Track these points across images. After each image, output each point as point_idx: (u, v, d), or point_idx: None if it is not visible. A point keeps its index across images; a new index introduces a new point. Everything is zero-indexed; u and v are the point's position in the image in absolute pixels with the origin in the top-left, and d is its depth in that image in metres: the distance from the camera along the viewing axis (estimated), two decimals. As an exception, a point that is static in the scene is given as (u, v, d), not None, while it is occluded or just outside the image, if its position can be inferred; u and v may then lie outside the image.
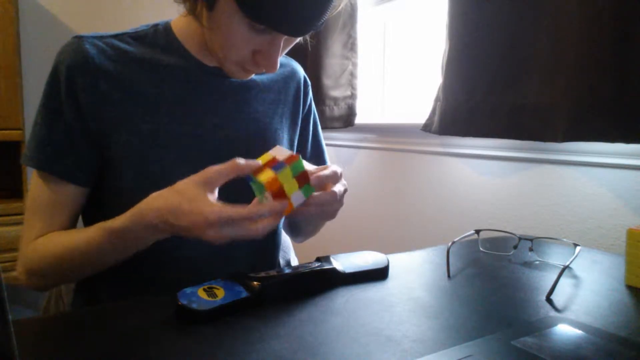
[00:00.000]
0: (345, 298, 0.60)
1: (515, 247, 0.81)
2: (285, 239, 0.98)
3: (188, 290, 0.55)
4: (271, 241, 0.84)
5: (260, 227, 0.56)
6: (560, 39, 1.02)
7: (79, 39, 0.70)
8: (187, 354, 0.45)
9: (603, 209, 1.05)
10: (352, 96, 1.83)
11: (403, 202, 1.64)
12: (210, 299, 0.54)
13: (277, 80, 0.84)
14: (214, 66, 0.75)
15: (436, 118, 1.36)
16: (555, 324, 0.51)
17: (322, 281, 0.63)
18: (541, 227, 1.18)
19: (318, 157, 0.94)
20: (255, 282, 0.58)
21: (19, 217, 1.93)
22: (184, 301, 0.53)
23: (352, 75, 1.84)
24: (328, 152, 0.97)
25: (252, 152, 0.75)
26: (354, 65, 1.83)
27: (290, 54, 0.83)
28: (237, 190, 0.64)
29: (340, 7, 0.67)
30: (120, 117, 0.69)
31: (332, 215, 0.66)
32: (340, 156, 1.98)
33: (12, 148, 2.02)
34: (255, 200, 0.65)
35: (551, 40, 1.04)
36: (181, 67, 0.73)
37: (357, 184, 1.85)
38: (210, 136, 0.74)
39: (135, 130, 0.69)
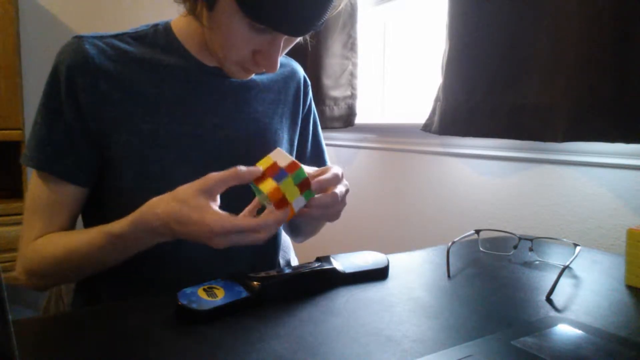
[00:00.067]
0: (345, 298, 0.60)
1: (515, 247, 0.81)
2: (285, 239, 0.98)
3: (188, 290, 0.55)
4: (271, 241, 0.84)
5: (263, 236, 0.57)
6: (560, 39, 1.02)
7: (79, 39, 0.70)
8: (187, 354, 0.45)
9: (603, 209, 1.05)
10: (352, 96, 1.83)
11: (403, 202, 1.64)
12: (210, 299, 0.54)
13: (277, 80, 0.84)
14: (214, 66, 0.75)
15: (436, 118, 1.36)
16: (555, 324, 0.51)
17: (322, 281, 0.63)
18: (541, 227, 1.18)
19: (318, 157, 0.94)
20: (255, 282, 0.58)
21: (19, 217, 1.93)
22: (184, 301, 0.53)
23: (352, 75, 1.84)
24: (328, 152, 0.97)
25: (252, 152, 0.75)
26: (354, 65, 1.83)
27: (290, 54, 0.83)
28: (237, 191, 0.64)
29: (340, 7, 0.67)
30: (120, 117, 0.69)
31: (335, 216, 0.66)
32: (340, 156, 1.98)
33: (12, 148, 2.02)
34: (255, 202, 0.66)
35: (551, 40, 1.04)
36: (181, 67, 0.73)
37: (357, 184, 1.85)
38: (210, 136, 0.74)
39: (135, 130, 0.69)
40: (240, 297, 0.55)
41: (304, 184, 0.59)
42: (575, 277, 0.70)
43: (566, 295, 0.62)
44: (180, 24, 0.75)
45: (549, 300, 0.60)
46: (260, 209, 0.65)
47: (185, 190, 0.58)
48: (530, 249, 0.80)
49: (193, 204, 0.56)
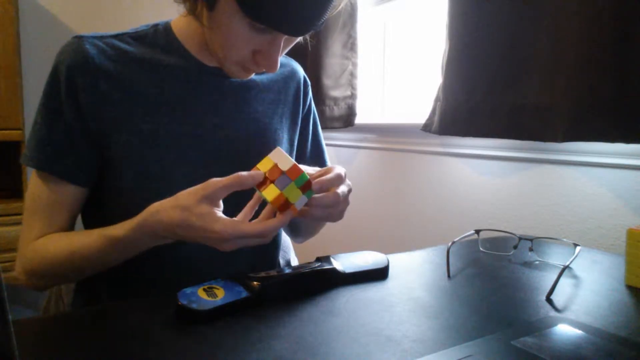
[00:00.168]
0: (345, 298, 0.60)
1: (515, 247, 0.81)
2: (285, 238, 0.98)
3: (188, 290, 0.55)
4: (271, 241, 0.84)
5: (268, 238, 0.59)
6: (560, 39, 1.02)
7: (79, 39, 0.70)
8: (187, 354, 0.45)
9: (603, 209, 1.05)
10: (352, 96, 1.83)
11: (403, 202, 1.64)
12: (210, 299, 0.54)
13: (277, 80, 0.84)
14: (214, 66, 0.75)
15: (436, 118, 1.36)
16: (555, 324, 0.51)
17: (322, 281, 0.63)
18: (541, 227, 1.18)
19: (318, 157, 0.94)
20: (255, 282, 0.58)
21: (18, 217, 1.93)
22: (184, 301, 0.53)
23: (352, 75, 1.84)
24: (328, 152, 0.97)
25: (252, 152, 0.75)
26: (354, 65, 1.83)
27: (290, 54, 0.83)
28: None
29: (340, 7, 0.67)
30: (120, 117, 0.69)
31: (339, 216, 0.66)
32: (340, 156, 1.98)
33: (12, 148, 2.02)
34: (256, 198, 0.65)
35: (551, 40, 1.04)
36: (181, 67, 0.73)
37: (357, 184, 1.85)
38: (210, 136, 0.74)
39: (135, 130, 0.69)
40: (240, 297, 0.55)
41: (306, 186, 0.59)
42: (575, 277, 0.70)
43: (566, 295, 0.62)
44: (180, 24, 0.75)
45: (549, 300, 0.60)
46: (262, 203, 0.65)
47: (188, 197, 0.57)
48: (530, 249, 0.80)
49: (196, 211, 0.56)
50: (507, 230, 0.97)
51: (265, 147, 0.78)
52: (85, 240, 0.66)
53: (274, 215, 0.61)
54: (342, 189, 0.63)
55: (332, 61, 1.84)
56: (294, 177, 0.58)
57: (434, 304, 0.58)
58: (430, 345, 0.47)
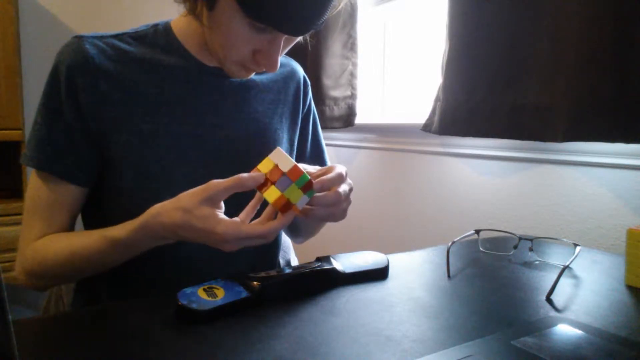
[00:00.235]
0: (345, 298, 0.60)
1: (515, 247, 0.81)
2: (286, 238, 0.98)
3: (188, 290, 0.55)
4: (272, 241, 0.84)
5: (270, 239, 0.59)
6: (560, 39, 1.02)
7: (79, 39, 0.70)
8: (187, 354, 0.45)
9: (603, 209, 1.05)
10: (352, 96, 1.83)
11: (403, 202, 1.64)
12: (210, 299, 0.54)
13: (277, 80, 0.84)
14: (214, 66, 0.75)
15: (436, 118, 1.36)
16: (555, 324, 0.51)
17: (322, 281, 0.63)
18: (541, 227, 1.18)
19: (318, 157, 0.94)
20: (255, 282, 0.58)
21: (18, 217, 1.93)
22: (184, 301, 0.53)
23: (352, 75, 1.84)
24: (328, 152, 0.97)
25: (252, 152, 0.75)
26: (354, 65, 1.83)
27: (290, 54, 0.83)
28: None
29: (340, 7, 0.67)
30: (120, 117, 0.69)
31: (341, 215, 0.66)
32: (340, 156, 1.98)
33: (12, 148, 2.02)
34: (257, 197, 0.65)
35: (551, 40, 1.04)
36: (181, 67, 0.73)
37: (357, 184, 1.85)
38: (210, 136, 0.74)
39: (135, 130, 0.69)
40: (240, 297, 0.55)
41: (307, 186, 0.59)
42: (575, 277, 0.70)
43: (566, 295, 0.62)
44: (180, 24, 0.75)
45: (549, 300, 0.60)
46: (264, 202, 0.65)
47: (189, 199, 0.58)
48: (530, 249, 0.80)
49: (198, 214, 0.56)
50: (507, 230, 0.97)
51: (265, 147, 0.78)
52: (85, 241, 0.66)
53: (276, 215, 0.61)
54: (343, 187, 0.63)
55: (332, 61, 1.84)
56: (294, 178, 0.58)
57: (434, 304, 0.58)
58: (430, 345, 0.47)
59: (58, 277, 0.71)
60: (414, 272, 0.71)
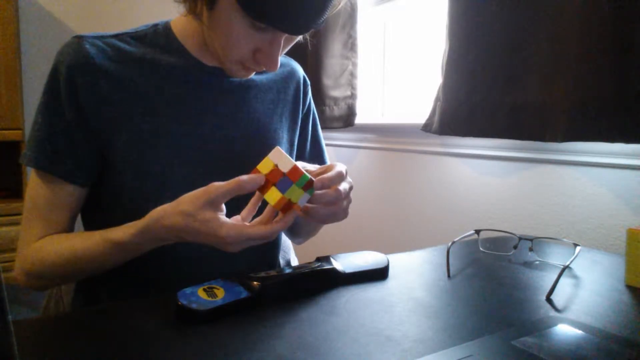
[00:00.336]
0: (345, 298, 0.60)
1: (515, 247, 0.81)
2: (286, 238, 0.98)
3: (188, 290, 0.55)
4: (271, 241, 0.84)
5: (273, 239, 0.60)
6: (560, 39, 1.02)
7: (79, 38, 0.70)
8: (187, 354, 0.45)
9: (603, 209, 1.05)
10: (352, 96, 1.83)
11: (403, 202, 1.64)
12: (210, 299, 0.54)
13: (277, 80, 0.84)
14: (214, 66, 0.75)
15: (436, 118, 1.36)
16: (555, 324, 0.51)
17: (322, 281, 0.63)
18: (541, 227, 1.18)
19: (318, 157, 0.94)
20: (255, 282, 0.58)
21: (18, 217, 1.93)
22: (184, 301, 0.53)
23: (352, 75, 1.84)
24: (328, 152, 0.97)
25: (252, 152, 0.75)
26: (354, 65, 1.83)
27: (290, 53, 0.83)
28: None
29: (340, 6, 0.67)
30: (120, 117, 0.69)
31: (342, 214, 0.66)
32: (340, 156, 1.98)
33: (12, 148, 2.02)
34: (257, 195, 0.66)
35: (551, 40, 1.04)
36: (181, 66, 0.73)
37: (357, 184, 1.85)
38: (210, 136, 0.74)
39: (135, 130, 0.69)
40: (240, 297, 0.55)
41: (308, 185, 0.59)
42: (575, 277, 0.70)
43: (566, 295, 0.62)
44: (180, 24, 0.75)
45: (549, 300, 0.60)
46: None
47: (190, 203, 0.58)
48: (530, 249, 0.80)
49: (200, 218, 0.57)
50: (507, 230, 0.97)
51: (264, 146, 0.78)
52: (86, 243, 0.66)
53: (277, 214, 0.61)
54: (343, 185, 0.63)
55: (332, 61, 1.84)
56: (295, 179, 0.58)
57: (434, 304, 0.58)
58: (430, 345, 0.47)
59: (57, 278, 0.71)
60: (414, 272, 0.71)
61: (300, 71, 0.90)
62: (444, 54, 1.32)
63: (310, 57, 1.88)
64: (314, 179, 0.60)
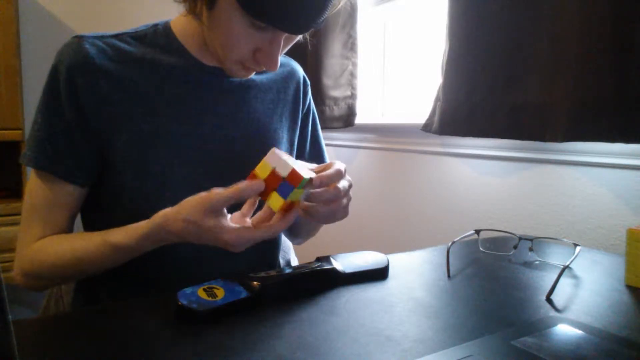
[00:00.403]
0: (345, 298, 0.60)
1: (515, 247, 0.81)
2: (286, 239, 0.98)
3: (188, 290, 0.55)
4: (271, 241, 0.84)
5: (275, 237, 0.61)
6: (560, 39, 1.02)
7: (79, 38, 0.70)
8: (187, 354, 0.45)
9: (603, 209, 1.05)
10: (352, 96, 1.83)
11: (403, 202, 1.64)
12: (210, 299, 0.54)
13: (277, 80, 0.84)
14: (214, 66, 0.75)
15: (436, 118, 1.36)
16: (555, 324, 0.51)
17: (322, 281, 0.63)
18: (541, 227, 1.18)
19: (318, 157, 0.94)
20: (255, 282, 0.58)
21: (18, 217, 1.92)
22: (184, 301, 0.53)
23: (352, 75, 1.84)
24: (328, 152, 0.97)
25: (252, 152, 0.75)
26: (354, 65, 1.83)
27: (290, 53, 0.83)
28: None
29: (340, 6, 0.67)
30: (121, 117, 0.69)
31: (342, 212, 0.66)
32: (340, 156, 1.98)
33: (12, 148, 2.02)
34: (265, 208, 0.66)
35: (551, 40, 1.04)
36: (181, 66, 0.73)
37: (357, 184, 1.85)
38: (210, 136, 0.74)
39: (135, 130, 0.69)
40: (240, 297, 0.55)
41: (307, 185, 0.59)
42: (575, 277, 0.70)
43: (566, 295, 0.62)
44: (180, 24, 0.75)
45: (549, 300, 0.60)
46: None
47: (193, 211, 0.58)
48: (530, 249, 0.80)
49: (203, 225, 0.57)
50: (507, 230, 0.97)
51: (264, 146, 0.78)
52: (86, 245, 0.66)
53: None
54: (342, 183, 0.63)
55: (332, 61, 1.84)
56: (296, 184, 0.57)
57: (434, 304, 0.58)
58: (430, 345, 0.47)
59: (57, 279, 0.71)
60: (414, 272, 0.71)
61: (300, 71, 0.90)
62: (444, 54, 1.32)
63: (310, 57, 1.88)
64: (313, 175, 0.60)
